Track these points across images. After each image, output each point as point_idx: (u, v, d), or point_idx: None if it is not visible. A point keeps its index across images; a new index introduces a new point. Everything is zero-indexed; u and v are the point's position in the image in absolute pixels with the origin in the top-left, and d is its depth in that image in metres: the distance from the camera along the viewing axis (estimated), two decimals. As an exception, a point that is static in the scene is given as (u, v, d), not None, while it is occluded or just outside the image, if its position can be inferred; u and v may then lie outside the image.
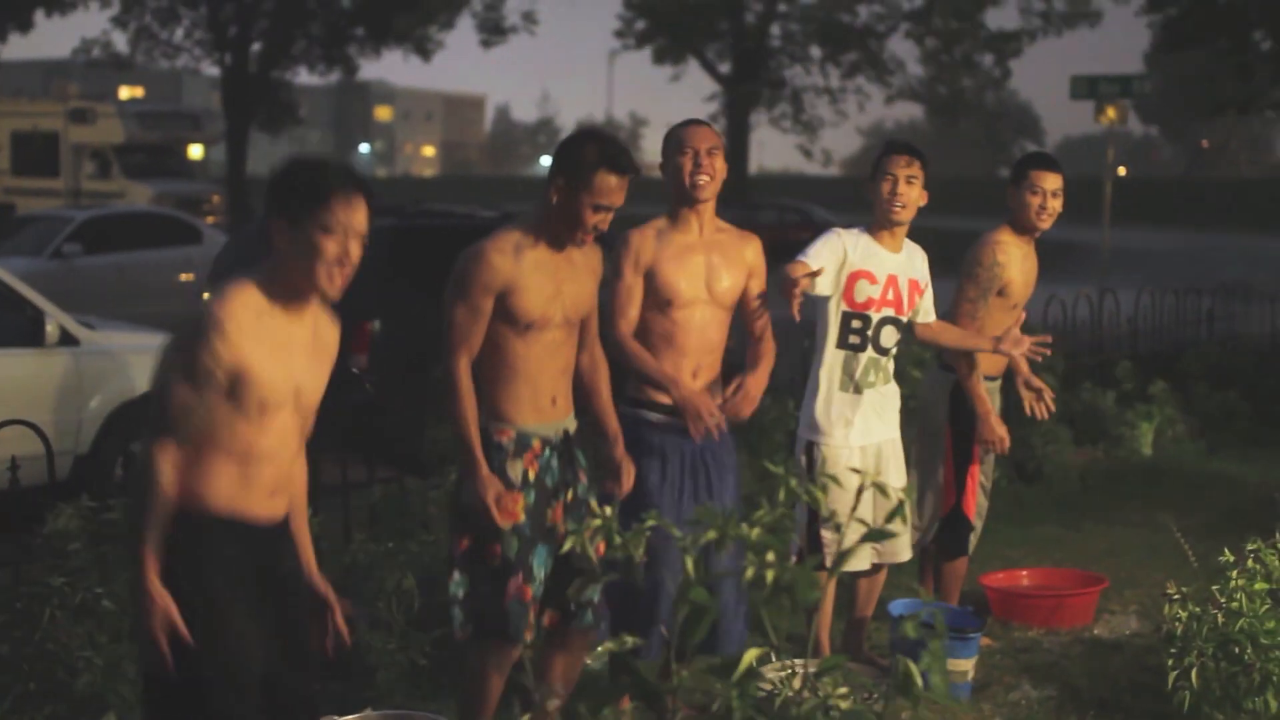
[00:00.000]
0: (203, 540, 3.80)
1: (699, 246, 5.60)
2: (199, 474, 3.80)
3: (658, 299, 5.51)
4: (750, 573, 2.64)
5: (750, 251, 5.76)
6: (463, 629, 5.00)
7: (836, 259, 6.14)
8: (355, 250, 3.82)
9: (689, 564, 2.74)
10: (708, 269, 5.59)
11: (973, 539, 6.97)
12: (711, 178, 5.54)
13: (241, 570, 3.83)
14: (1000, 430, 6.70)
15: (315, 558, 4.16)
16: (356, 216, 3.82)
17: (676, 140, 5.61)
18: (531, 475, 4.95)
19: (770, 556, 2.64)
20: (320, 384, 3.98)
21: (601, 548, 4.96)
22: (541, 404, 5.00)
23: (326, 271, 3.80)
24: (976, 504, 6.90)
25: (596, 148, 4.95)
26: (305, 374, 3.91)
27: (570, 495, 5.04)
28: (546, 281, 4.94)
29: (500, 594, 4.90)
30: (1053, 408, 6.96)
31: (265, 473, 3.87)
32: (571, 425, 5.10)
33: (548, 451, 5.00)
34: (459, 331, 4.91)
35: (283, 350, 3.83)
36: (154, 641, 3.72)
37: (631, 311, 5.49)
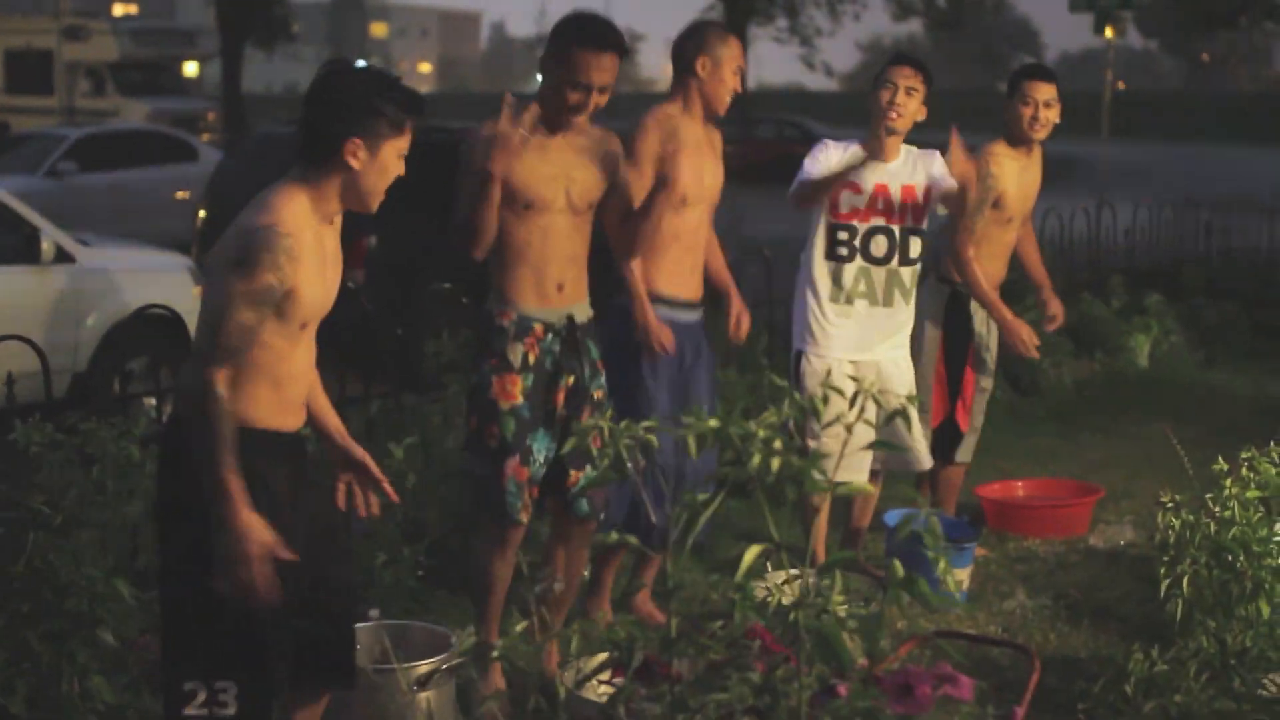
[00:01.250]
0: (246, 455, 3.73)
1: (703, 144, 5.68)
2: (240, 395, 3.76)
3: (672, 196, 5.48)
4: (757, 459, 2.64)
5: (719, 143, 5.86)
6: (469, 509, 5.11)
7: (828, 162, 6.16)
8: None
9: (693, 446, 2.75)
10: (707, 167, 5.68)
11: (968, 448, 7.00)
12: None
13: (278, 479, 3.83)
14: (1023, 331, 6.70)
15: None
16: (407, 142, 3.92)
17: (723, 47, 5.66)
18: (531, 359, 5.00)
19: (778, 444, 2.66)
20: (336, 287, 3.94)
21: (598, 441, 5.07)
22: (546, 289, 5.02)
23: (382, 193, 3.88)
24: (971, 414, 6.93)
25: (574, 24, 4.95)
26: (331, 284, 3.89)
27: (572, 381, 5.08)
28: (544, 163, 4.95)
29: (499, 475, 4.98)
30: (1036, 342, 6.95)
31: (297, 390, 3.89)
32: (581, 313, 5.13)
33: (550, 336, 5.04)
34: (461, 207, 4.93)
35: (320, 268, 3.81)
36: (253, 576, 3.61)
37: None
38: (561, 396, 5.06)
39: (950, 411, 6.86)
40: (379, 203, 3.87)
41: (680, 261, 5.64)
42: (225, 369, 3.68)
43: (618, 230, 5.34)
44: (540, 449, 5.02)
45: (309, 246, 3.75)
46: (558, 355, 5.05)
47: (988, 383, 7.01)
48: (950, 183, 6.26)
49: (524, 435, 4.99)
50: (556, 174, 4.96)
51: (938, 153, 6.38)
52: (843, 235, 6.20)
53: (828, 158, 6.14)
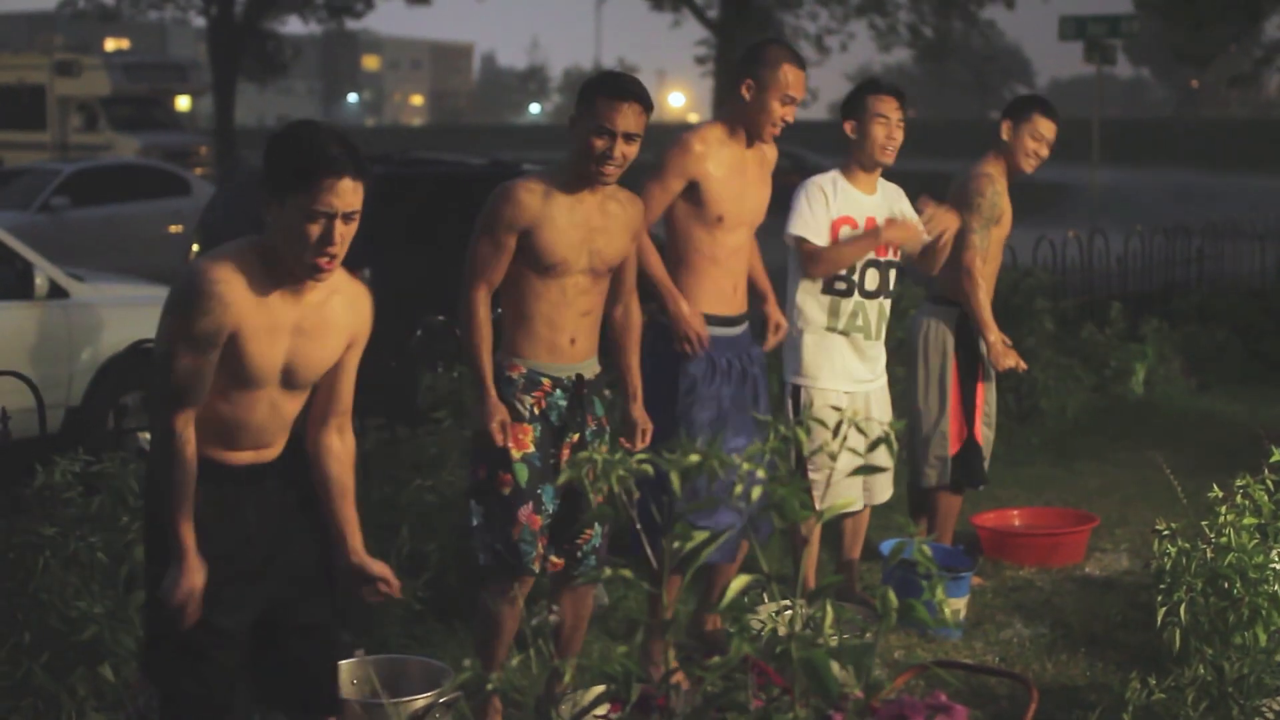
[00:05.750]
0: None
1: (748, 165, 5.70)
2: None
3: (705, 216, 5.58)
4: (738, 489, 2.66)
5: (772, 160, 5.88)
6: (475, 559, 5.11)
7: (826, 211, 6.16)
8: (342, 231, 3.71)
9: (675, 481, 2.76)
10: (750, 189, 5.71)
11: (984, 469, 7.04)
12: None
13: (218, 500, 3.85)
14: (1012, 356, 6.69)
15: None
16: (342, 199, 3.68)
17: (771, 71, 5.60)
18: (538, 410, 5.02)
19: (761, 474, 2.67)
20: (317, 360, 3.89)
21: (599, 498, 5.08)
22: (559, 344, 5.04)
23: (312, 255, 3.70)
24: (983, 435, 6.95)
25: (598, 78, 5.03)
26: (297, 354, 3.84)
27: (576, 438, 5.09)
28: (574, 227, 4.97)
29: (511, 523, 4.99)
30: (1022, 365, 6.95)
31: (251, 439, 3.89)
32: (589, 370, 5.13)
33: (558, 391, 5.05)
34: (479, 264, 4.98)
35: (269, 328, 3.77)
36: (180, 605, 3.75)
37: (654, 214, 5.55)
38: (566, 453, 5.07)
39: (970, 434, 6.87)
40: (304, 264, 3.73)
41: (719, 281, 5.64)
42: (182, 412, 3.74)
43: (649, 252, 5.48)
44: (548, 500, 5.04)
45: (249, 301, 3.72)
46: (563, 411, 5.07)
47: (994, 401, 7.04)
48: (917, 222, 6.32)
49: (535, 484, 5.00)
50: (582, 238, 4.98)
51: (902, 191, 6.41)
52: (842, 270, 6.19)
53: (821, 213, 6.15)
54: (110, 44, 55.26)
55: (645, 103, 4.94)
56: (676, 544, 2.75)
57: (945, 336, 6.81)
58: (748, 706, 2.76)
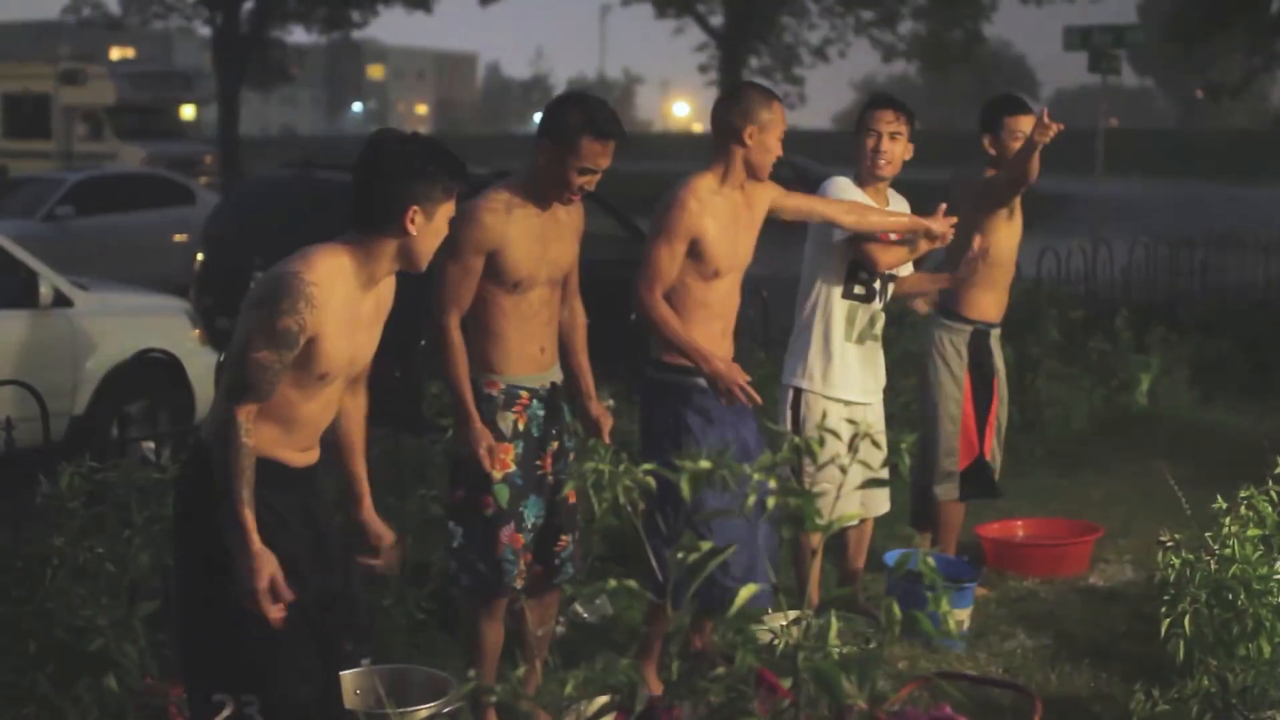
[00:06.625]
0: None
1: (740, 211, 5.59)
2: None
3: (705, 269, 5.48)
4: (751, 500, 2.67)
5: (761, 201, 5.74)
6: (457, 578, 5.09)
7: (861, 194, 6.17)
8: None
9: (685, 491, 2.76)
10: (742, 236, 5.61)
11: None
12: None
13: (280, 505, 3.95)
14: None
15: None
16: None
17: (769, 112, 5.50)
18: (520, 426, 5.07)
19: (773, 484, 2.68)
20: (373, 347, 4.10)
21: (573, 496, 5.12)
22: (533, 355, 5.10)
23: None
24: (992, 448, 6.94)
25: (582, 113, 4.99)
26: (362, 344, 4.03)
27: (556, 445, 5.16)
28: (534, 242, 5.03)
29: (493, 544, 5.04)
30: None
31: (305, 433, 4.01)
32: (557, 375, 5.21)
33: (535, 403, 5.11)
34: (450, 290, 5.00)
35: (350, 325, 3.92)
36: (257, 600, 3.80)
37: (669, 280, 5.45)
38: (549, 461, 5.14)
39: (980, 450, 6.85)
40: (429, 263, 4.01)
41: (710, 326, 5.52)
42: (247, 404, 3.82)
43: (657, 303, 5.39)
44: (531, 515, 5.10)
45: (338, 302, 3.86)
46: (541, 421, 5.13)
47: (1005, 417, 7.04)
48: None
49: (517, 502, 5.06)
50: (541, 251, 5.05)
51: (905, 202, 6.39)
52: (863, 274, 6.17)
53: (858, 195, 6.16)
54: (115, 53, 55.19)
55: (623, 135, 5.01)
56: (681, 555, 2.76)
57: (958, 354, 6.79)
58: (753, 717, 2.75)
